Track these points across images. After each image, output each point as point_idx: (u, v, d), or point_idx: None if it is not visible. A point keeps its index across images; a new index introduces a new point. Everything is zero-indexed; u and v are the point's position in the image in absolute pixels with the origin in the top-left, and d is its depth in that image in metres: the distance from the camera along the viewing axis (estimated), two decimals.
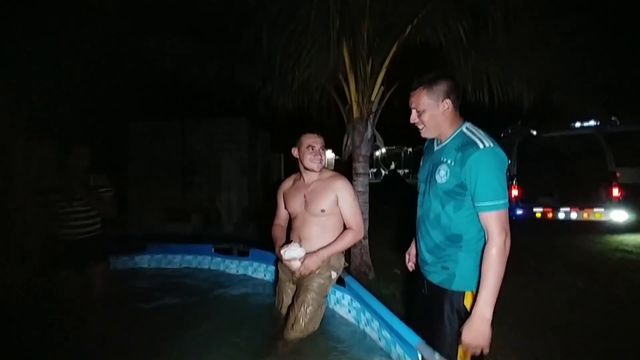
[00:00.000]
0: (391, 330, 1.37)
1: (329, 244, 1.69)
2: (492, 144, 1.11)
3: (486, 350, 1.09)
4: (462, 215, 1.15)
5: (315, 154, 1.73)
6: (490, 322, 1.06)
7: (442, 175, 1.16)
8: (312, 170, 1.76)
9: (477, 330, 1.06)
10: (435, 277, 1.22)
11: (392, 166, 20.04)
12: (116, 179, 2.33)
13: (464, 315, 1.13)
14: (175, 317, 1.95)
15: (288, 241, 1.83)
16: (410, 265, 1.49)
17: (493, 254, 1.06)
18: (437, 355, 1.04)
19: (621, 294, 3.02)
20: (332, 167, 17.07)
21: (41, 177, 2.36)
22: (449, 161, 1.15)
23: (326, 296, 1.73)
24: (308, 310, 1.62)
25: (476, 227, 1.14)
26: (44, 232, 2.16)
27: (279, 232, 1.89)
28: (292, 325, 1.61)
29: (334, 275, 1.73)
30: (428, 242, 1.24)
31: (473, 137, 1.13)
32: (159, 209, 5.99)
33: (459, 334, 1.11)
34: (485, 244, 1.11)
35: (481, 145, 1.10)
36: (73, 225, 2.13)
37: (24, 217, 3.46)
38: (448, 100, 1.18)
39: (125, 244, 2.90)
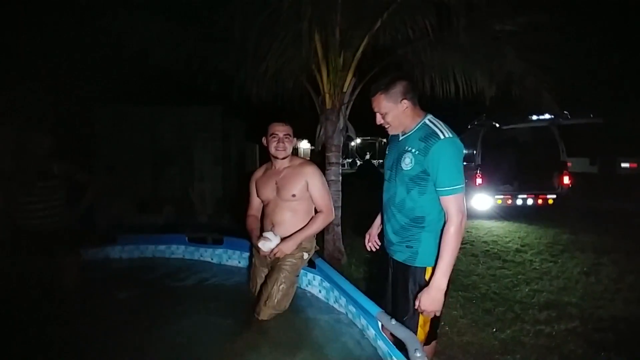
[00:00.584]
0: (355, 303, 1.50)
1: (302, 229, 1.78)
2: (451, 135, 1.23)
3: (438, 313, 1.24)
4: (425, 199, 1.26)
5: (279, 142, 1.78)
6: (444, 291, 1.20)
7: (407, 162, 1.26)
8: (277, 158, 1.83)
9: (433, 298, 1.19)
10: (400, 255, 1.34)
11: (367, 156, 20.41)
12: (81, 167, 2.25)
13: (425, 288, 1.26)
14: (149, 305, 1.96)
15: (262, 229, 1.90)
16: (369, 245, 1.63)
17: (451, 232, 1.18)
18: (393, 321, 1.16)
19: (568, 270, 3.37)
20: (309, 157, 17.11)
21: None
22: (413, 150, 1.25)
23: (298, 275, 1.83)
24: (281, 288, 1.71)
25: (437, 209, 1.26)
26: (8, 222, 2.06)
27: (253, 223, 1.94)
28: (265, 302, 1.69)
29: (306, 256, 1.83)
30: (394, 224, 1.35)
31: (435, 129, 1.24)
32: (128, 200, 5.78)
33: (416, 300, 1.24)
34: (444, 224, 1.24)
35: (442, 136, 1.21)
36: (35, 215, 2.05)
37: None
38: (405, 100, 1.28)
39: (95, 235, 2.82)
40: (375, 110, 1.33)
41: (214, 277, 2.40)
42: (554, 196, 5.69)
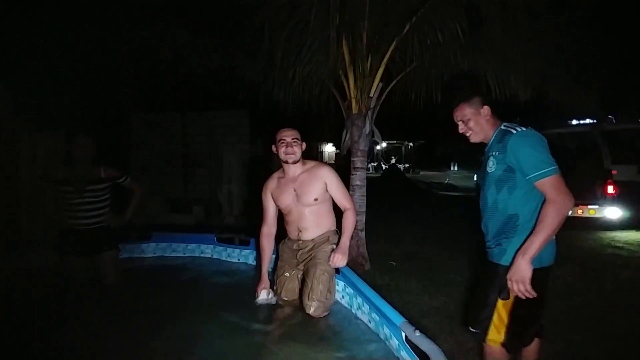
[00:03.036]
0: (379, 312, 1.49)
1: (343, 234, 1.84)
2: (524, 128, 1.28)
3: (528, 294, 1.17)
4: (516, 196, 1.28)
5: (287, 146, 1.81)
6: (530, 260, 1.16)
7: (490, 165, 1.33)
8: (287, 163, 1.85)
9: (520, 265, 1.17)
10: (491, 253, 1.36)
11: (393, 160, 20.11)
12: (119, 169, 2.42)
13: (504, 286, 1.24)
14: (177, 302, 2.06)
15: (287, 236, 1.96)
16: None
17: (550, 208, 1.17)
18: (417, 332, 1.15)
19: (608, 287, 3.13)
20: (333, 161, 17.14)
21: (49, 168, 2.46)
22: (494, 153, 1.32)
23: (334, 268, 1.85)
24: (320, 279, 1.74)
25: (530, 206, 1.26)
26: (58, 222, 2.26)
27: (267, 249, 1.95)
28: (309, 295, 1.71)
29: (336, 247, 1.87)
30: (491, 229, 1.36)
31: (509, 128, 1.31)
32: (161, 201, 6.10)
33: (496, 302, 1.25)
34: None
35: (514, 131, 1.28)
36: (85, 215, 2.23)
37: (33, 205, 3.57)
38: (487, 107, 1.38)
39: (131, 233, 3.01)
40: (459, 119, 1.43)
41: (239, 277, 2.48)
42: (596, 206, 5.28)
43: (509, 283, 1.20)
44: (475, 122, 1.40)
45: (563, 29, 2.97)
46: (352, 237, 3.23)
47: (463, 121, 1.43)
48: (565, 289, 3.06)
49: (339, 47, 2.87)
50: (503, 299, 1.26)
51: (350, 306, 1.87)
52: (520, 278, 1.17)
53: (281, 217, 2.06)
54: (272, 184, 1.97)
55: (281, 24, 2.92)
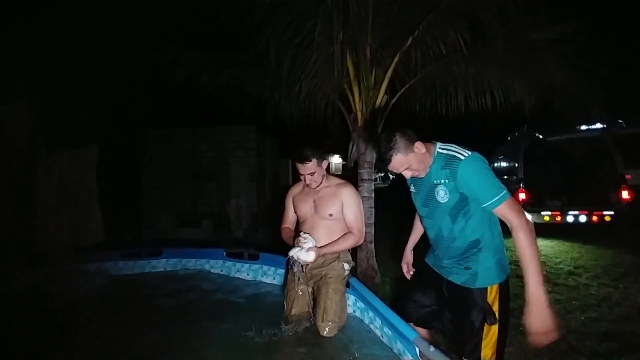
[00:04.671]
0: (392, 327, 1.47)
1: (329, 243, 1.81)
2: (469, 152, 1.25)
3: (555, 336, 1.11)
4: (474, 221, 1.26)
5: (305, 179, 1.84)
6: (546, 302, 1.10)
7: (442, 195, 1.27)
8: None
9: (539, 314, 1.09)
10: (457, 277, 1.31)
11: None
12: (131, 184, 2.45)
13: (489, 311, 1.24)
14: (188, 318, 2.06)
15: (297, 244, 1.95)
16: (408, 275, 1.65)
17: (521, 237, 1.14)
18: (431, 348, 1.13)
19: (634, 297, 3.02)
20: (340, 172, 17.15)
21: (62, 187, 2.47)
22: (442, 180, 1.26)
23: (345, 285, 1.85)
24: (334, 298, 1.73)
25: (488, 227, 1.26)
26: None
27: (290, 232, 1.99)
28: (323, 317, 1.70)
29: (347, 266, 1.86)
30: (451, 254, 1.32)
31: (451, 153, 1.26)
32: (171, 215, 6.17)
33: (482, 327, 1.23)
34: (499, 241, 1.26)
35: (462, 157, 1.24)
36: None
37: (48, 221, 3.64)
38: (417, 142, 1.28)
39: (142, 248, 3.05)
40: (401, 170, 1.32)
41: (249, 292, 2.47)
42: (612, 212, 5.15)
43: (536, 336, 1.10)
44: (417, 162, 1.29)
45: (564, 38, 2.98)
46: (361, 250, 3.27)
47: (406, 169, 1.31)
48: (590, 300, 2.96)
49: (344, 62, 2.93)
50: (491, 324, 1.23)
51: (362, 321, 1.84)
52: (550, 327, 1.10)
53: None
54: (296, 190, 2.00)
55: (287, 42, 3.00)
